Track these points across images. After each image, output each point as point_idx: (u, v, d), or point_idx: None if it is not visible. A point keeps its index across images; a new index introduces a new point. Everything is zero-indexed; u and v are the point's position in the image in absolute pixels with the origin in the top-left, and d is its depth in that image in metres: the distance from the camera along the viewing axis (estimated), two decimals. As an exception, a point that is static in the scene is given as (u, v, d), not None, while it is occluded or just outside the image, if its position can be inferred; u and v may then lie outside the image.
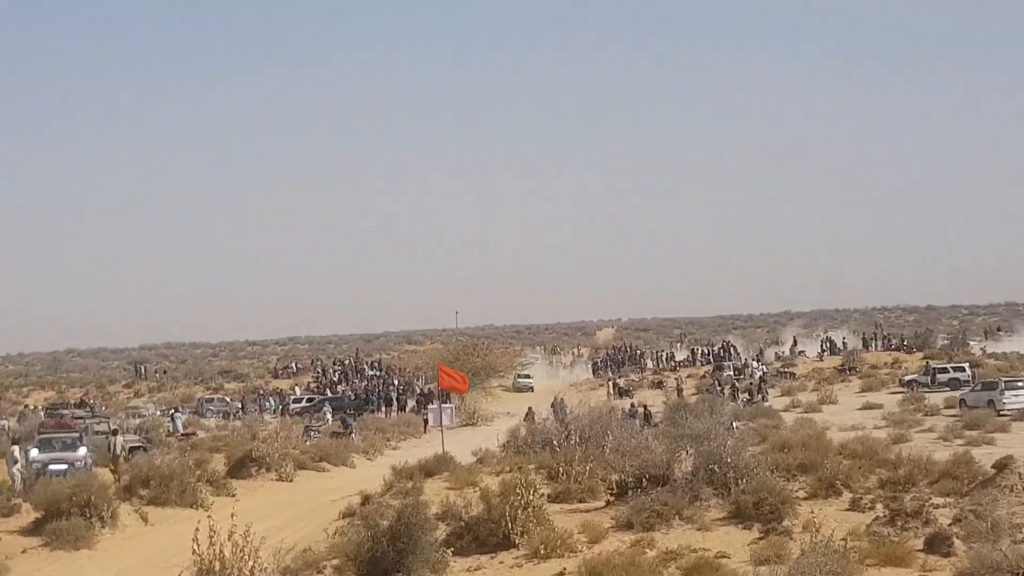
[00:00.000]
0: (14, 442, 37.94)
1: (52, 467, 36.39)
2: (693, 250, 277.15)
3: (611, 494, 26.02)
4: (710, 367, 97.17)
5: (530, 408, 61.20)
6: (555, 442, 33.23)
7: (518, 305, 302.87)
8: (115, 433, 43.35)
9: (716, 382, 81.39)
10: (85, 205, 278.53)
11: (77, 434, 41.24)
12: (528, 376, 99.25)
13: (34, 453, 38.04)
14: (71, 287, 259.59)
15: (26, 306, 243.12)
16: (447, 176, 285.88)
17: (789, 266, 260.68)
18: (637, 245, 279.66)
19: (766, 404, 65.06)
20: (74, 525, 27.97)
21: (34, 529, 28.72)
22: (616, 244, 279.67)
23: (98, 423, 48.81)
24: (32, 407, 73.89)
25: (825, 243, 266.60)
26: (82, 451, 38.94)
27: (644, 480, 24.68)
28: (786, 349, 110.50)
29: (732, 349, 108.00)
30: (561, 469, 28.44)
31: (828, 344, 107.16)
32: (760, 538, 20.89)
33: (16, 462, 35.20)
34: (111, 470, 37.49)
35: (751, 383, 78.17)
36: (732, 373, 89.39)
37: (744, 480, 23.98)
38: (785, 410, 60.31)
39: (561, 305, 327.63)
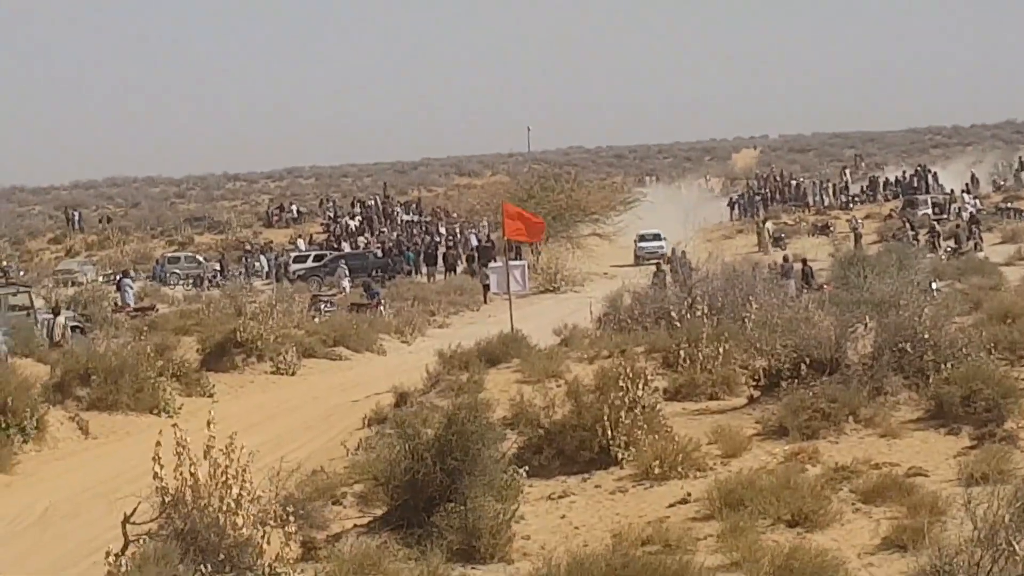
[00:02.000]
0: None
1: None
2: (867, 36, 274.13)
3: (755, 387, 26.04)
4: (899, 204, 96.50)
5: (659, 265, 60.76)
6: (674, 314, 33.28)
7: (616, 120, 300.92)
8: (56, 312, 43.87)
9: (908, 224, 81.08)
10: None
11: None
12: (657, 236, 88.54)
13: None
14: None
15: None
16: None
17: (1010, 56, 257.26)
18: (789, 28, 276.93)
19: (980, 255, 64.85)
20: (-15, 440, 28.33)
21: (-80, 448, 29.10)
22: (755, 27, 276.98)
23: (15, 294, 48.61)
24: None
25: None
26: (-8, 335, 38.88)
27: (803, 367, 24.64)
28: (1010, 176, 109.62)
29: (931, 177, 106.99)
30: (683, 353, 28.43)
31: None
32: (972, 447, 20.83)
33: None
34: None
35: (958, 225, 77.84)
36: (931, 211, 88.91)
37: (949, 365, 23.90)
38: (1008, 264, 60.15)
39: (679, 118, 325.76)
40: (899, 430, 22.31)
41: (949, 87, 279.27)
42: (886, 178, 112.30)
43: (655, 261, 76.10)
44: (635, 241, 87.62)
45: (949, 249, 69.29)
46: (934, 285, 39.60)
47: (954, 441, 21.48)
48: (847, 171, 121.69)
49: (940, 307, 28.97)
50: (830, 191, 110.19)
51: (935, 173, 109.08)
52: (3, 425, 29.03)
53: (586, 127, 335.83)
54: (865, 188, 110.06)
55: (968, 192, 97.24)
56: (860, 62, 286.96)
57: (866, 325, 26.25)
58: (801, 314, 28.23)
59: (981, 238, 72.86)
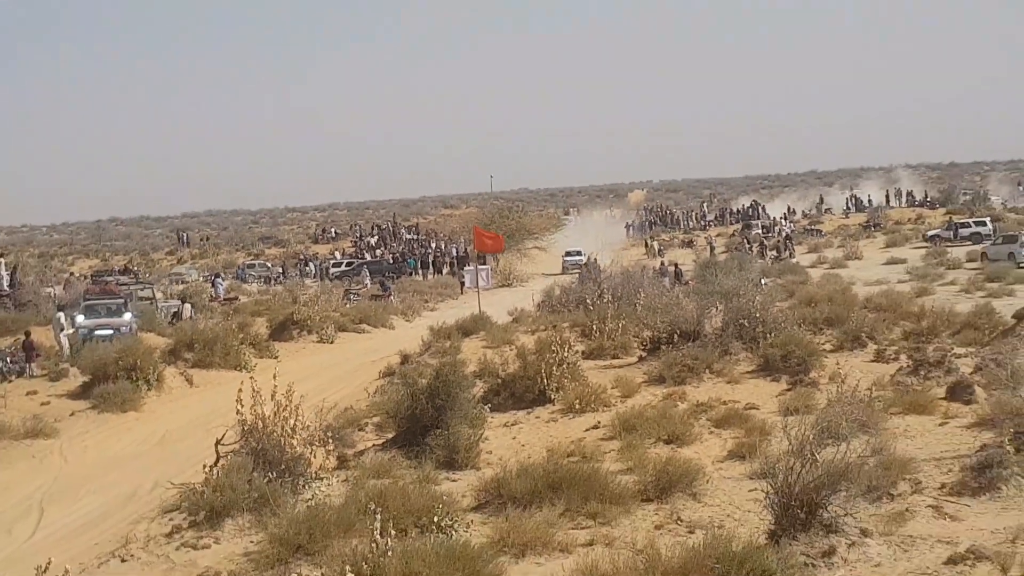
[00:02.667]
0: (60, 309, 38.10)
1: (98, 332, 36.50)
2: (721, 112, 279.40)
3: (643, 350, 26.06)
4: (740, 226, 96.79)
5: (581, 270, 60.03)
6: (588, 301, 33.29)
7: (549, 169, 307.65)
8: (183, 300, 44.46)
9: (745, 240, 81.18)
10: (128, 76, 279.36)
11: (122, 300, 40.85)
12: (579, 253, 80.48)
13: (80, 319, 38.07)
14: (114, 158, 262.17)
15: (71, 177, 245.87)
16: (475, 41, 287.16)
17: (815, 126, 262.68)
18: (667, 107, 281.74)
19: (793, 261, 65.06)
20: (121, 388, 28.31)
21: (82, 393, 29.04)
22: (646, 107, 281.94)
23: (142, 289, 48.81)
24: (77, 275, 74.14)
25: (849, 102, 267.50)
26: (127, 316, 38.74)
27: (675, 336, 24.71)
28: (812, 207, 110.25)
29: (761, 208, 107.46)
30: (595, 327, 28.41)
31: (853, 201, 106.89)
32: (788, 389, 20.92)
33: (63, 328, 35.40)
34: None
35: (779, 241, 78.01)
36: (760, 231, 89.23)
37: (772, 334, 24.00)
38: (812, 266, 60.34)
39: (592, 168, 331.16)
40: (740, 378, 22.43)
41: (771, 146, 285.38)
42: (731, 209, 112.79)
43: (576, 270, 75.15)
44: (563, 257, 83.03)
45: (773, 256, 69.40)
46: (763, 281, 39.57)
47: (776, 385, 21.57)
48: (705, 204, 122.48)
49: (767, 296, 29.05)
50: (694, 218, 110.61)
51: (764, 206, 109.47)
52: (134, 378, 29.03)
53: (530, 174, 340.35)
54: (717, 216, 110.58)
55: (786, 218, 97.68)
56: (717, 128, 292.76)
57: (717, 307, 26.33)
58: (674, 301, 28.30)
59: (794, 249, 73.00)
